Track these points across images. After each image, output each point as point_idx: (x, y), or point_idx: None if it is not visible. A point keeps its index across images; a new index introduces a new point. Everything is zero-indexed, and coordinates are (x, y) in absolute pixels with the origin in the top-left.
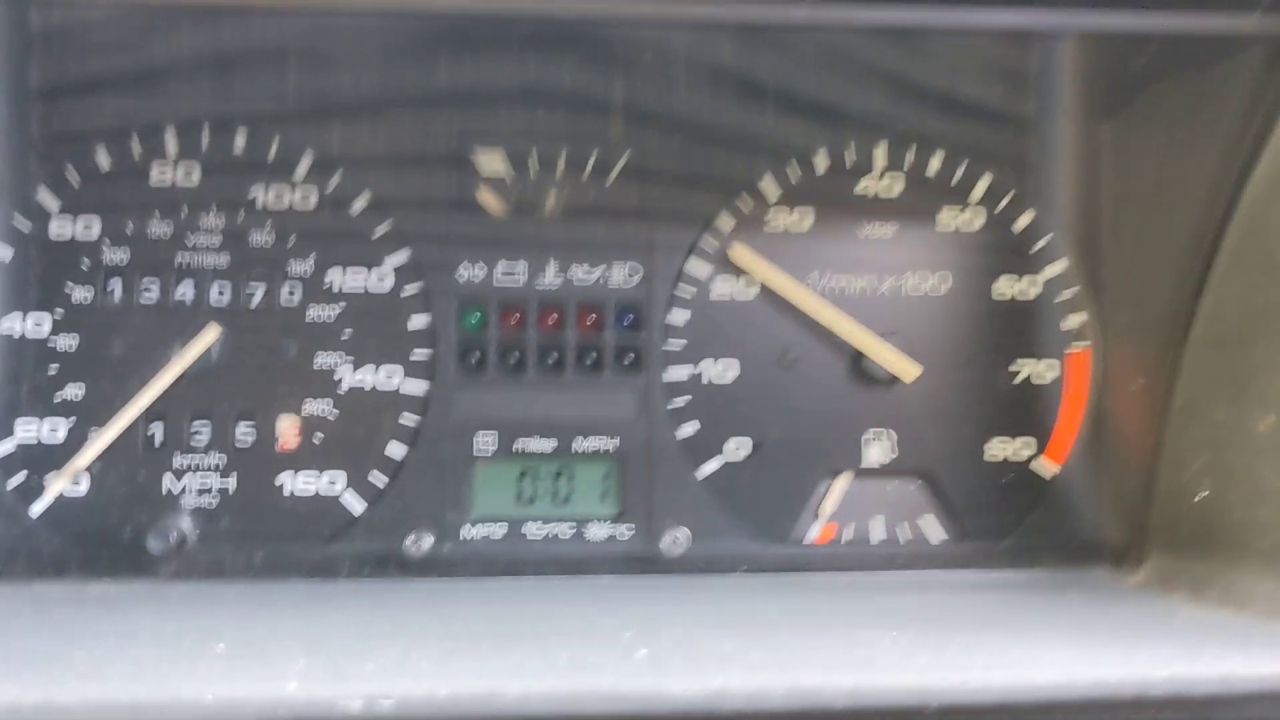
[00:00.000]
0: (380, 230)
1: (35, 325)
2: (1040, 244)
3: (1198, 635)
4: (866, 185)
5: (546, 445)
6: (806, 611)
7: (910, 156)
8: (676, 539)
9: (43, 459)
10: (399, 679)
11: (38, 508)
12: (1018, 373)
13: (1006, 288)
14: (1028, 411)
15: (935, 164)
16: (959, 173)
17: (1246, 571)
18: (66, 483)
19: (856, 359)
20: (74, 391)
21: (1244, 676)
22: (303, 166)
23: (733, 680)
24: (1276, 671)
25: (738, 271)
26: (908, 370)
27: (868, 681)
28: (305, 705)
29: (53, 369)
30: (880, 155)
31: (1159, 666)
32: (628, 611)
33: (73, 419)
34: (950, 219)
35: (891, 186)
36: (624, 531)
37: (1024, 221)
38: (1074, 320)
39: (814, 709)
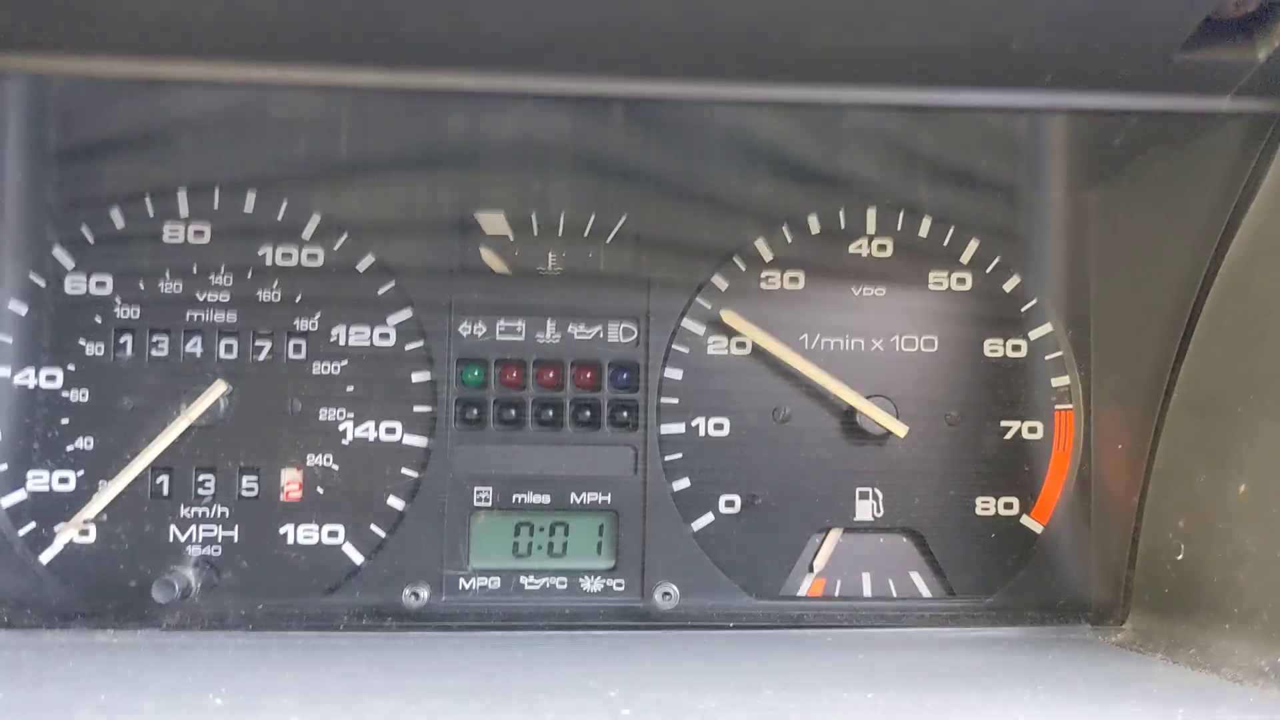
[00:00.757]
0: (383, 290)
1: (48, 378)
2: (1027, 306)
3: (1168, 695)
4: (858, 248)
5: (543, 499)
6: (791, 669)
7: (900, 221)
8: (668, 593)
9: (52, 509)
10: None
11: (46, 556)
12: (1006, 430)
13: (995, 347)
14: (1015, 470)
15: (924, 228)
16: (948, 237)
17: (1223, 633)
18: (75, 532)
19: (850, 415)
20: (84, 443)
21: None
22: (310, 227)
23: None
24: None
25: (731, 330)
26: (896, 427)
27: None
28: None
29: (64, 421)
30: (871, 219)
31: None
32: (616, 668)
33: (82, 470)
34: (940, 280)
35: (882, 249)
36: (618, 584)
37: (1012, 284)
38: (1060, 381)
39: None
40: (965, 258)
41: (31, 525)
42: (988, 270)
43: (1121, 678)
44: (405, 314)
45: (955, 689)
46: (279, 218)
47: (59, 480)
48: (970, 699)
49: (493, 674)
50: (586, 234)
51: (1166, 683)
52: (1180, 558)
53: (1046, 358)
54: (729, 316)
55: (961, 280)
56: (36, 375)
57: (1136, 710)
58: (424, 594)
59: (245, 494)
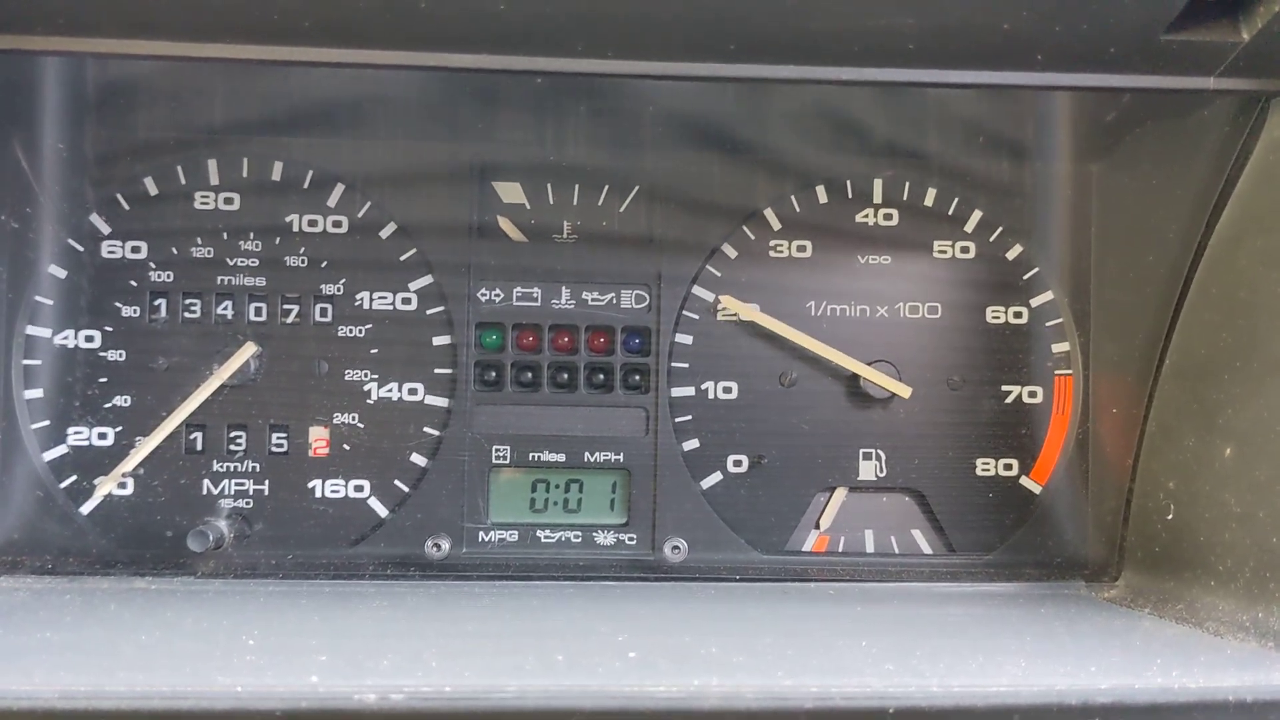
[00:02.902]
0: (405, 256)
1: (87, 339)
2: (1028, 275)
3: (1151, 647)
4: (864, 217)
5: (559, 458)
6: (792, 618)
7: (906, 191)
8: (677, 547)
9: (92, 463)
10: (410, 674)
11: (87, 507)
12: (1007, 394)
13: (998, 314)
14: (1015, 432)
15: (930, 198)
16: (952, 206)
17: (1208, 590)
18: (113, 485)
19: (854, 379)
20: (121, 401)
21: (1183, 688)
22: (334, 196)
23: (710, 681)
24: (1210, 684)
25: (740, 297)
26: (900, 389)
27: (834, 685)
28: (325, 696)
29: (102, 380)
30: (877, 189)
31: (1107, 676)
32: (625, 616)
33: (120, 426)
34: (944, 249)
35: (888, 218)
36: (629, 539)
37: (1014, 253)
38: (1060, 347)
39: (782, 709)
40: (969, 227)
41: (72, 478)
42: (991, 239)
43: (1107, 630)
44: (426, 280)
45: (946, 638)
46: (305, 186)
47: (98, 436)
48: (959, 647)
49: (509, 620)
50: (600, 203)
51: (1149, 635)
52: (1170, 517)
53: (1047, 324)
54: (728, 300)
55: (965, 249)
56: (76, 336)
57: (1117, 660)
58: (445, 545)
59: (275, 450)
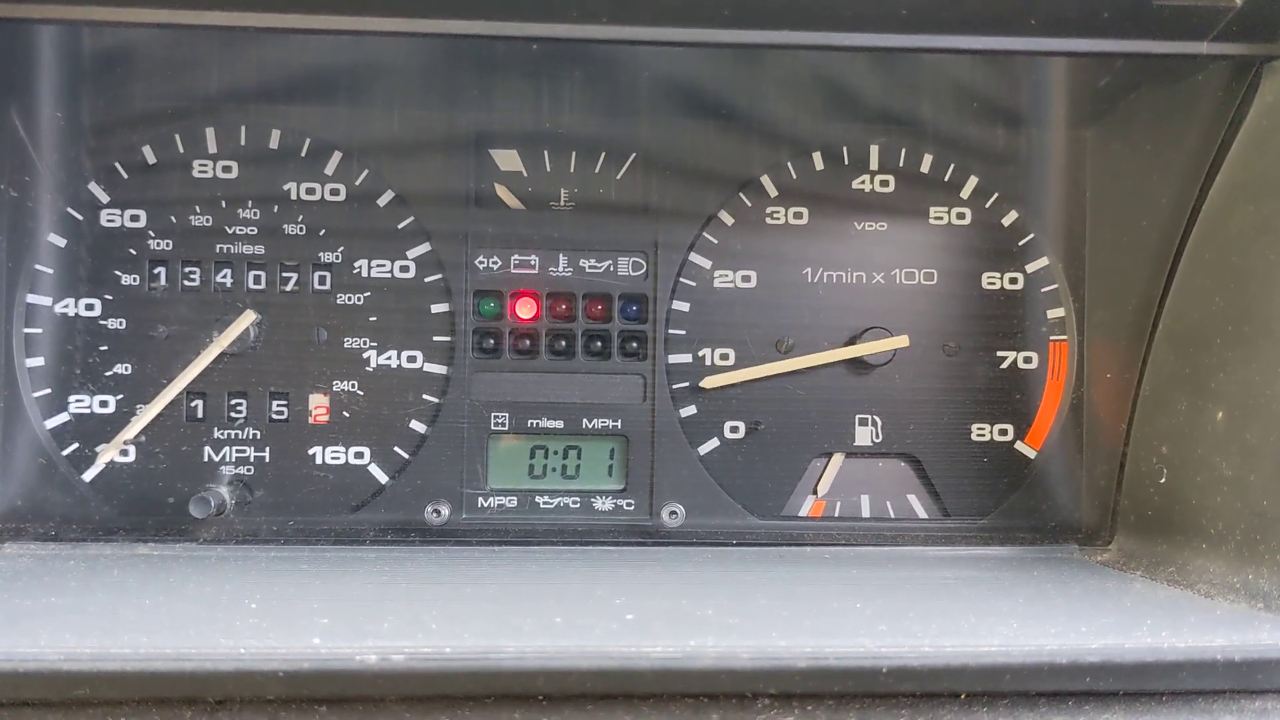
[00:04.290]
0: (403, 223)
1: (87, 307)
2: (1024, 241)
3: (1141, 609)
4: (861, 183)
5: (557, 424)
6: (788, 581)
7: (902, 157)
8: (674, 512)
9: (93, 430)
10: (411, 636)
11: (89, 475)
12: (1002, 360)
13: (993, 280)
14: (1010, 398)
15: (926, 165)
16: (948, 173)
17: (1199, 553)
18: (115, 452)
19: (851, 344)
20: (122, 369)
21: (1172, 647)
22: (332, 164)
23: (706, 642)
24: (1199, 643)
25: (737, 264)
26: (898, 341)
27: (828, 645)
28: (327, 657)
29: (103, 348)
30: (874, 156)
31: (1096, 636)
32: (623, 580)
33: (121, 394)
34: (940, 215)
35: (884, 185)
36: (627, 505)
37: (1010, 219)
38: (1055, 313)
39: (776, 669)
40: (965, 193)
41: (75, 446)
42: (987, 205)
43: (1098, 592)
44: (424, 247)
45: (939, 600)
46: (302, 154)
47: (99, 404)
48: (952, 609)
49: (509, 583)
50: (597, 170)
51: (1140, 597)
52: (1163, 481)
53: (1042, 290)
54: (709, 381)
55: (961, 215)
56: (76, 304)
57: (1108, 620)
58: (445, 511)
59: (275, 417)
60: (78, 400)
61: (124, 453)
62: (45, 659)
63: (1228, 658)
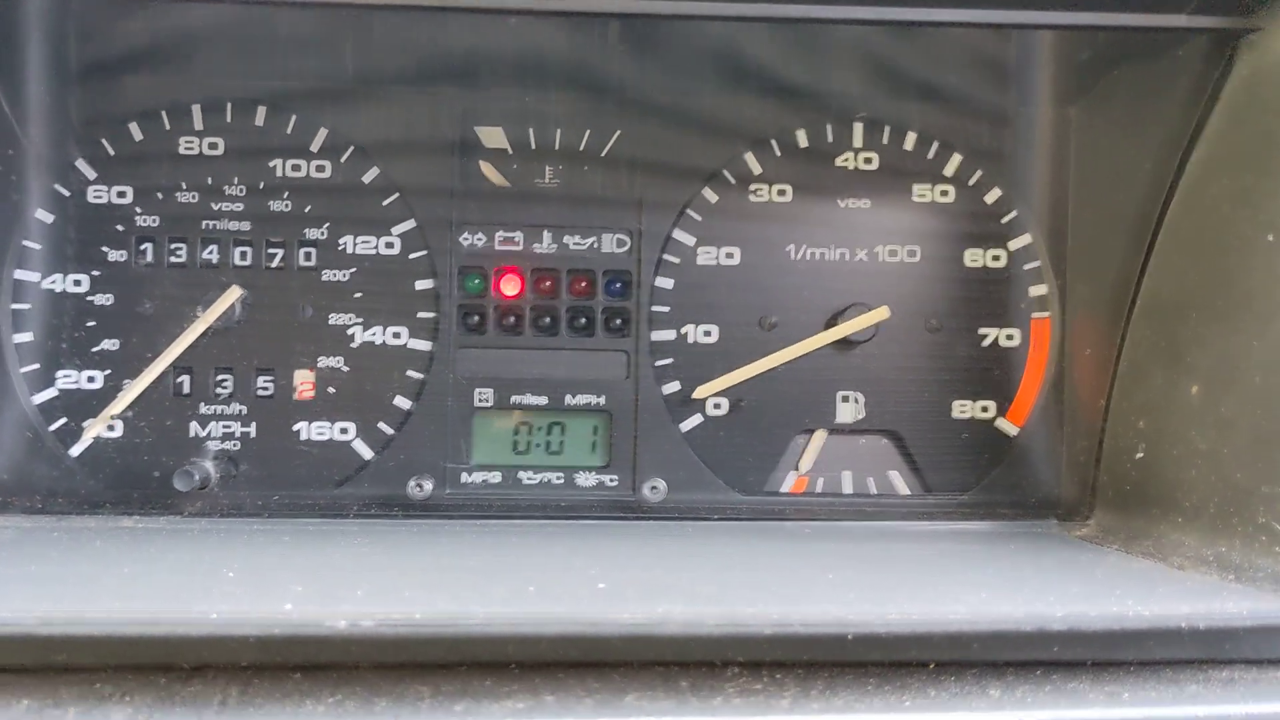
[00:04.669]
0: (388, 201)
1: (75, 283)
2: (1007, 218)
3: (1112, 580)
4: (844, 161)
5: (540, 400)
6: (764, 554)
7: (885, 136)
8: (655, 487)
9: (81, 405)
10: (382, 603)
11: (76, 449)
12: (985, 337)
13: (976, 257)
14: (992, 375)
15: (909, 143)
16: (932, 151)
17: (1174, 526)
18: (102, 427)
19: (833, 321)
20: (109, 344)
21: (1137, 616)
22: (318, 141)
23: (674, 609)
24: (1164, 612)
25: (721, 241)
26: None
27: (795, 612)
28: (298, 623)
29: (90, 324)
30: (857, 134)
31: (1063, 605)
32: (602, 552)
33: (108, 369)
34: (923, 193)
35: (868, 163)
36: (610, 480)
37: (993, 196)
38: (1038, 290)
39: (742, 635)
40: (948, 171)
41: (62, 421)
42: (970, 183)
43: (1071, 564)
44: (409, 224)
45: (912, 571)
46: (288, 132)
47: (87, 379)
48: (924, 579)
49: (487, 555)
50: (582, 148)
51: (1113, 569)
52: (1140, 456)
53: (1025, 267)
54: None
55: (944, 193)
56: (64, 280)
57: (1076, 591)
58: (428, 486)
59: (261, 393)
60: (65, 375)
61: (111, 428)
62: (20, 623)
63: (1193, 626)
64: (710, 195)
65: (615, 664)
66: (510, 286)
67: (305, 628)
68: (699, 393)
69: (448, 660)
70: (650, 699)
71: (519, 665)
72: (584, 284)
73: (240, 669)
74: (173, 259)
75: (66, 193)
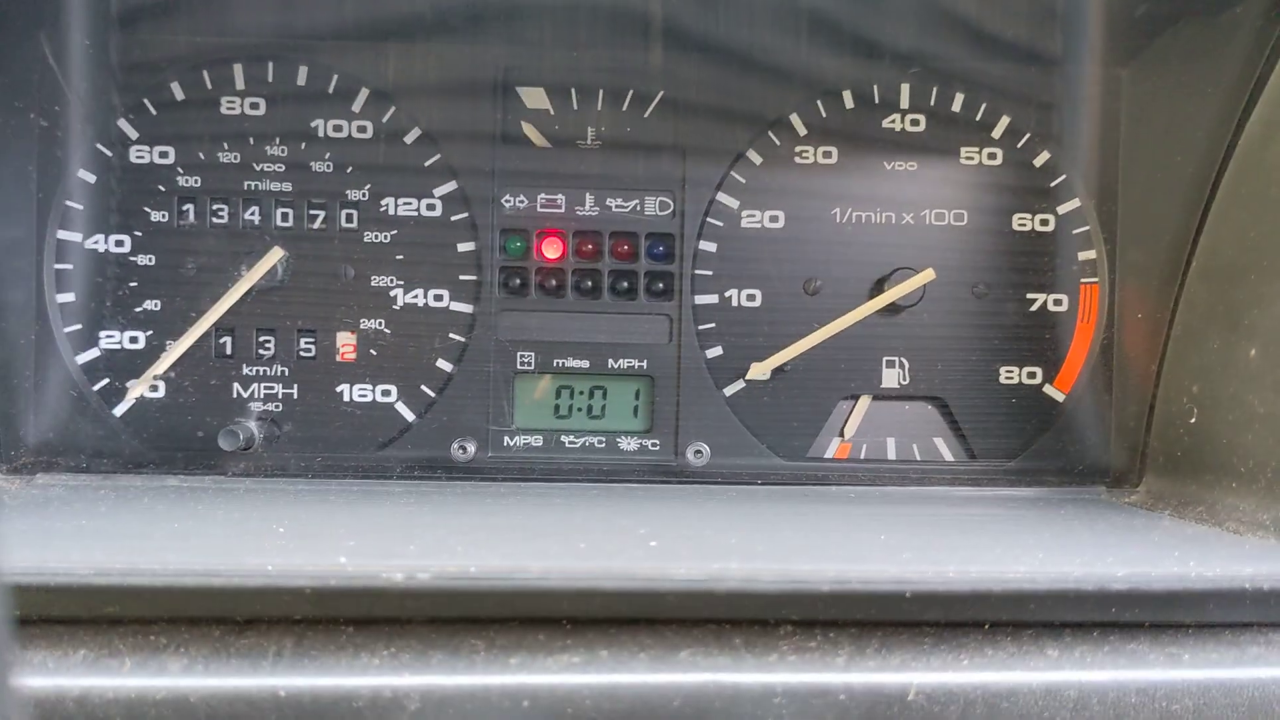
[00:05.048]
0: (429, 161)
1: (117, 243)
2: (1056, 181)
3: (1169, 543)
4: (891, 122)
5: (582, 364)
6: (812, 516)
7: (933, 96)
8: (699, 451)
9: (124, 366)
10: (437, 557)
11: (120, 409)
12: (1032, 302)
13: (1024, 221)
14: (1039, 340)
15: (957, 103)
16: (980, 112)
17: (1229, 491)
18: (145, 388)
19: (879, 286)
20: (152, 305)
21: (1200, 576)
22: (359, 100)
23: (730, 566)
24: (1227, 573)
25: (765, 204)
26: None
27: (853, 570)
28: (354, 575)
29: (133, 284)
30: (904, 94)
31: (1122, 566)
32: (648, 513)
33: (150, 330)
34: (971, 155)
35: (915, 124)
36: (653, 445)
37: (1042, 159)
38: (1087, 254)
39: (800, 592)
40: (997, 132)
41: (105, 381)
42: (1019, 145)
43: (1126, 528)
44: (450, 185)
45: (965, 534)
46: (330, 91)
47: (129, 339)
48: (978, 541)
49: (534, 514)
50: (624, 108)
51: (1168, 532)
52: (1193, 421)
53: (1074, 231)
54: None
55: (992, 155)
56: (106, 240)
57: (1134, 553)
58: (471, 449)
59: (303, 354)
60: (108, 336)
61: (154, 388)
62: (75, 574)
63: (1256, 587)
64: (755, 157)
65: (669, 621)
66: (552, 249)
67: (361, 580)
68: (752, 373)
69: (502, 615)
70: (705, 655)
71: (572, 621)
72: (626, 247)
73: (294, 622)
74: (214, 220)
75: (109, 153)
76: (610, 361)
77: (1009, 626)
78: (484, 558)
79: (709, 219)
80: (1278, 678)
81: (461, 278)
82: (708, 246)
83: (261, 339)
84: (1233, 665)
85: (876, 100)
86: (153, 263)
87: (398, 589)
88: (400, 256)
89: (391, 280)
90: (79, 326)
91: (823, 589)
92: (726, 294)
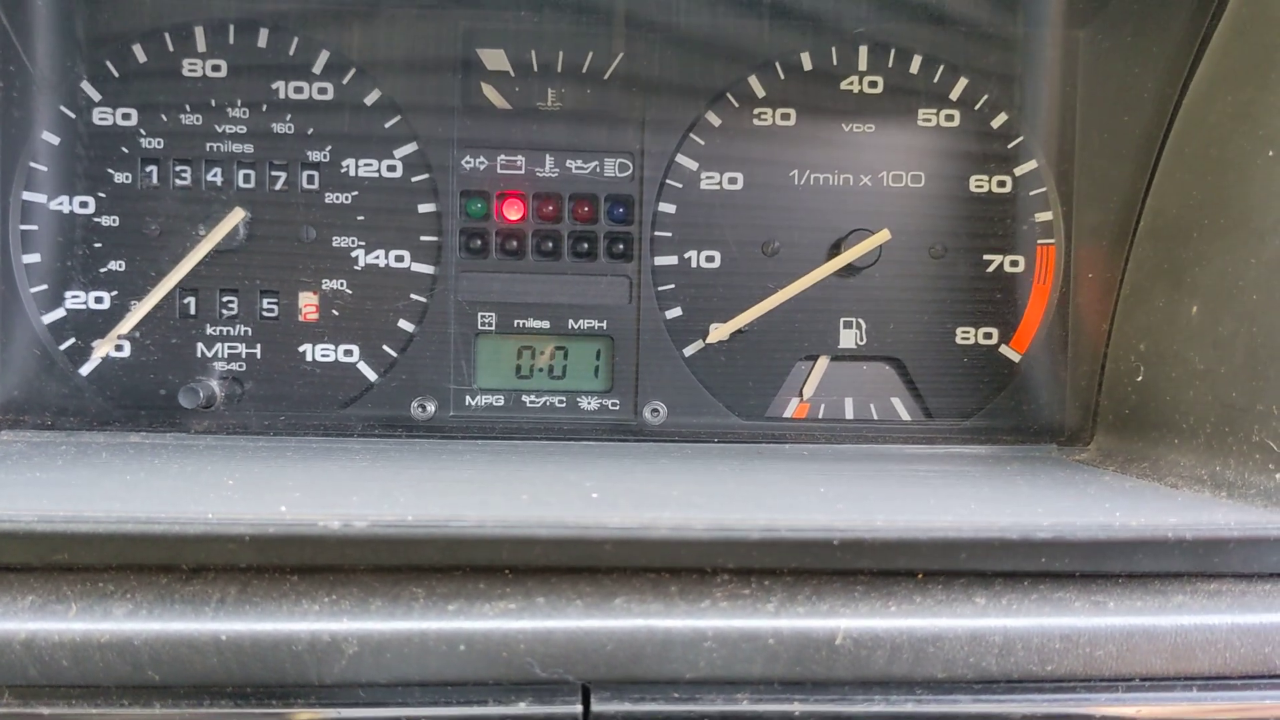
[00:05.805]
0: (390, 123)
1: (81, 205)
2: (1013, 143)
3: (1104, 496)
4: (849, 85)
5: (543, 325)
6: (759, 471)
7: (891, 59)
8: (656, 410)
9: (89, 325)
10: (377, 507)
11: (85, 369)
12: (989, 263)
13: (981, 182)
14: (996, 301)
15: (915, 66)
16: (938, 74)
17: (1171, 448)
18: (110, 347)
19: (836, 247)
20: (116, 265)
21: (1124, 526)
22: (319, 63)
23: (663, 514)
24: (1152, 523)
25: (724, 165)
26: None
27: (782, 519)
28: (292, 523)
29: (97, 245)
30: (862, 57)
31: (1050, 516)
32: (599, 467)
33: (115, 290)
34: (929, 117)
35: (873, 86)
36: (613, 404)
37: (999, 121)
38: (1043, 216)
39: (730, 539)
40: (955, 94)
41: (71, 340)
42: (976, 107)
43: (1066, 482)
44: (411, 147)
45: (904, 486)
46: (290, 53)
47: (94, 299)
48: (913, 492)
49: (485, 469)
50: (584, 71)
51: (1106, 486)
52: (1140, 379)
53: (1030, 193)
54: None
55: (950, 117)
56: (70, 202)
57: (1067, 505)
58: (431, 407)
59: (266, 315)
60: (74, 296)
61: (119, 347)
62: (20, 520)
63: (1180, 537)
64: (713, 119)
65: (606, 569)
66: (512, 210)
67: (299, 528)
68: (713, 335)
69: (441, 563)
70: (639, 602)
71: (512, 570)
72: (586, 208)
73: (239, 570)
74: (177, 181)
75: (72, 115)
76: (571, 322)
77: (941, 576)
78: (426, 508)
79: (668, 181)
80: (1199, 624)
81: (422, 239)
82: (667, 208)
83: (225, 299)
84: (1156, 613)
85: (835, 62)
86: (116, 224)
87: (335, 537)
88: (361, 217)
89: (353, 241)
90: (45, 287)
91: (752, 536)
92: (686, 255)
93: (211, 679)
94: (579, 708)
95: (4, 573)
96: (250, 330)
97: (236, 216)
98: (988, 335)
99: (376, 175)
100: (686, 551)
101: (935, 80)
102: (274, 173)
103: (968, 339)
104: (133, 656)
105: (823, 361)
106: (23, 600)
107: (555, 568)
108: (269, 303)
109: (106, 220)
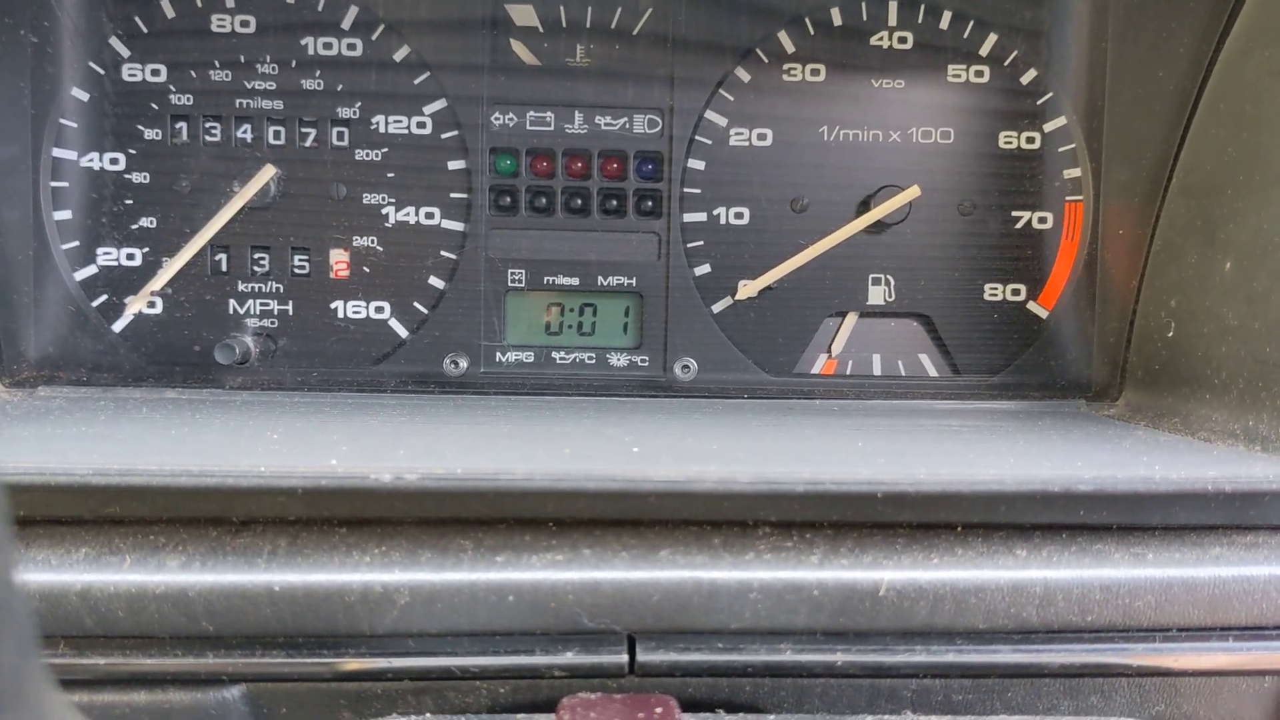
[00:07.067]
0: (419, 80)
1: (111, 161)
2: (1042, 100)
3: (1140, 449)
4: (878, 41)
5: (572, 281)
6: (794, 426)
7: (920, 14)
8: (687, 366)
9: (122, 282)
10: (425, 460)
11: (119, 325)
12: (1017, 220)
13: (1010, 139)
14: (1024, 258)
15: (945, 21)
16: (967, 30)
17: (1203, 403)
18: (142, 304)
19: (865, 204)
20: (147, 222)
21: (1164, 479)
22: (348, 19)
23: (708, 468)
24: (1191, 476)
25: (753, 122)
26: (909, 193)
27: (825, 473)
28: (344, 476)
29: (128, 201)
30: (892, 12)
31: (1091, 469)
32: (634, 423)
33: (147, 247)
34: (958, 73)
35: (902, 42)
36: (641, 360)
37: (1028, 77)
38: (1072, 172)
39: (775, 493)
40: (984, 50)
41: (104, 297)
42: (1005, 64)
43: (1100, 437)
44: (440, 104)
45: (940, 440)
46: (319, 9)
47: (126, 256)
48: (951, 447)
49: (522, 424)
50: (614, 26)
51: (1140, 440)
52: (1170, 335)
53: (1059, 150)
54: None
55: (979, 73)
56: (101, 158)
57: (1104, 458)
58: (463, 364)
59: (298, 271)
60: (105, 253)
61: (151, 304)
62: (75, 474)
63: (1218, 489)
64: (743, 74)
65: (650, 522)
66: (542, 168)
67: (351, 481)
68: (741, 293)
69: (489, 516)
70: (684, 553)
71: (557, 522)
72: (615, 165)
73: (288, 523)
74: (208, 137)
75: (101, 71)
76: (600, 279)
77: (980, 529)
78: (470, 461)
79: (697, 137)
80: (1237, 575)
81: (452, 195)
82: (696, 165)
83: (256, 256)
84: (1194, 564)
85: (864, 18)
86: (147, 180)
87: (386, 489)
88: (391, 175)
89: (383, 198)
90: (77, 244)
91: (797, 489)
92: (715, 212)
93: (265, 629)
94: (625, 657)
95: (57, 526)
96: (282, 287)
97: (268, 173)
98: (1016, 292)
99: (406, 132)
100: (730, 504)
101: (965, 36)
102: (304, 129)
103: (996, 295)
104: (187, 607)
105: (851, 318)
106: (77, 553)
107: (600, 520)
108: (300, 260)
109: (137, 177)
